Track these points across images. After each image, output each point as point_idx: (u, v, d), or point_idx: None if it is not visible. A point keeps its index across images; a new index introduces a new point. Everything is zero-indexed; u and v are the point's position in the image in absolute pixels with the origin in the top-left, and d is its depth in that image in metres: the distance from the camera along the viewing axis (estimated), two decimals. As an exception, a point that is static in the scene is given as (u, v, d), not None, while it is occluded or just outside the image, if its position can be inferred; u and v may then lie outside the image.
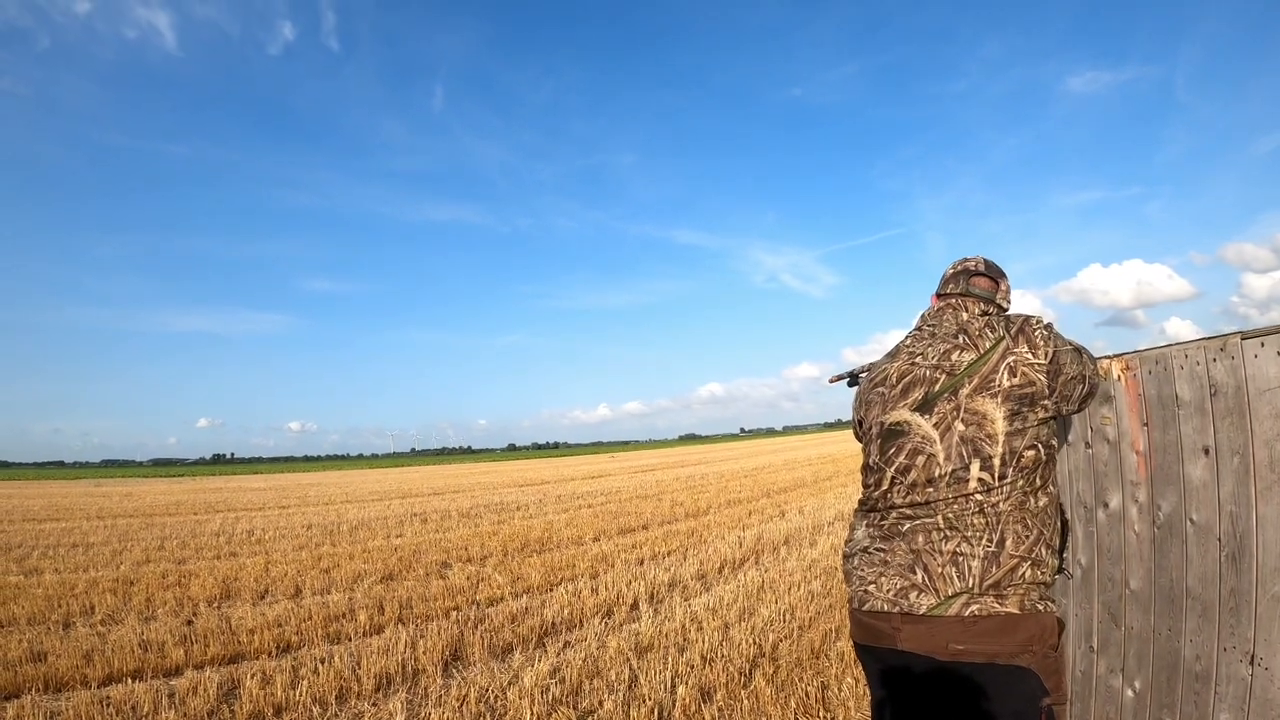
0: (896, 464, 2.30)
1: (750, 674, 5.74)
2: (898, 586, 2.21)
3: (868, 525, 2.42)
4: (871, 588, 2.29)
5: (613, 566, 10.60)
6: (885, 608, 2.22)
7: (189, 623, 8.41)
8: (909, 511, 2.26)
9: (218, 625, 8.17)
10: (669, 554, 11.37)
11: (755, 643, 6.47)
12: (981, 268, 2.66)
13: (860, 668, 4.94)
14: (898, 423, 2.34)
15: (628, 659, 6.29)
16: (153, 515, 24.01)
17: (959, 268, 2.69)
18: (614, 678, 5.89)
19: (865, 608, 2.30)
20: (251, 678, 6.19)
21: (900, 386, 2.38)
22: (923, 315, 2.61)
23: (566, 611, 8.13)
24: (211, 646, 7.27)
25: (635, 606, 8.29)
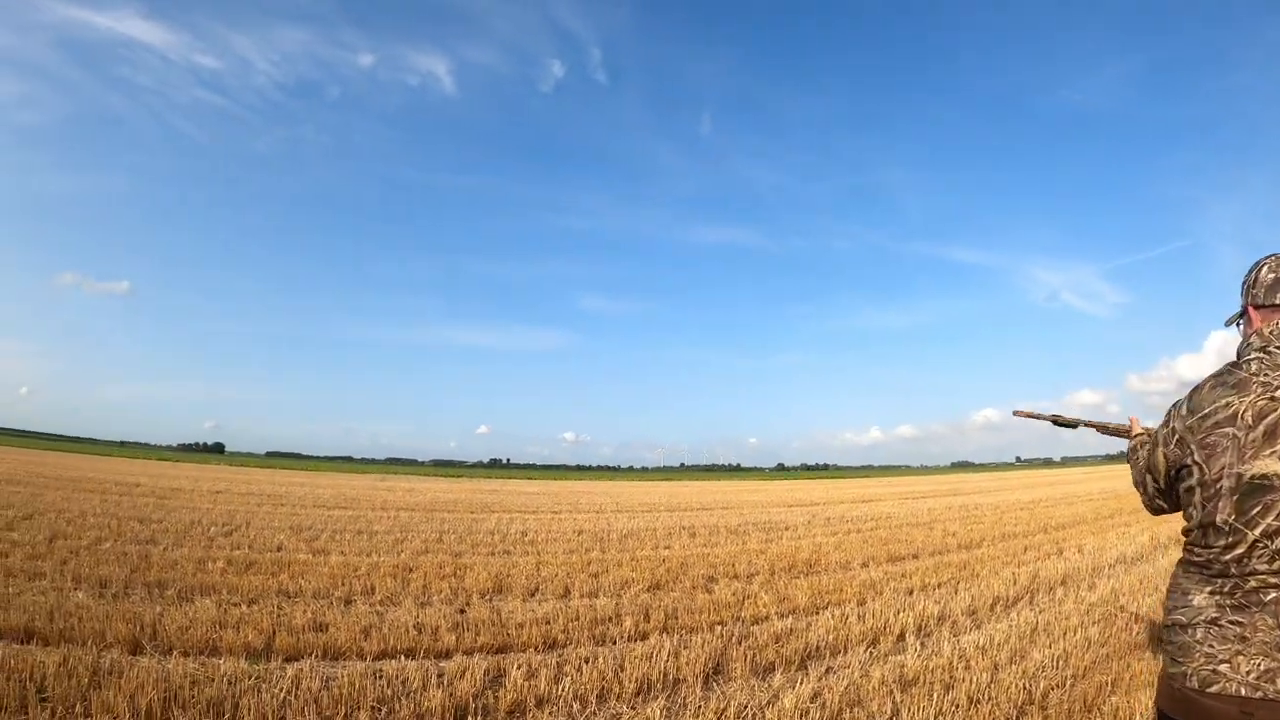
0: (1263, 525, 2.05)
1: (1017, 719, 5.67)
2: (1261, 668, 1.99)
3: (1212, 592, 2.17)
4: (1224, 667, 2.06)
5: (880, 594, 10.75)
6: (1242, 691, 2.00)
7: (461, 611, 9.51)
8: (1275, 580, 2.03)
9: (488, 616, 9.15)
10: (939, 586, 11.38)
11: (1025, 688, 6.37)
12: None
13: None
14: (1264, 475, 2.06)
15: (891, 691, 6.36)
16: (432, 510, 27.23)
17: None
18: (875, 709, 5.97)
19: (1212, 689, 2.07)
20: (517, 669, 6.88)
21: (1261, 429, 2.10)
22: (1260, 333, 2.26)
23: (831, 636, 8.30)
24: (481, 635, 8.18)
25: (901, 638, 8.35)
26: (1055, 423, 4.03)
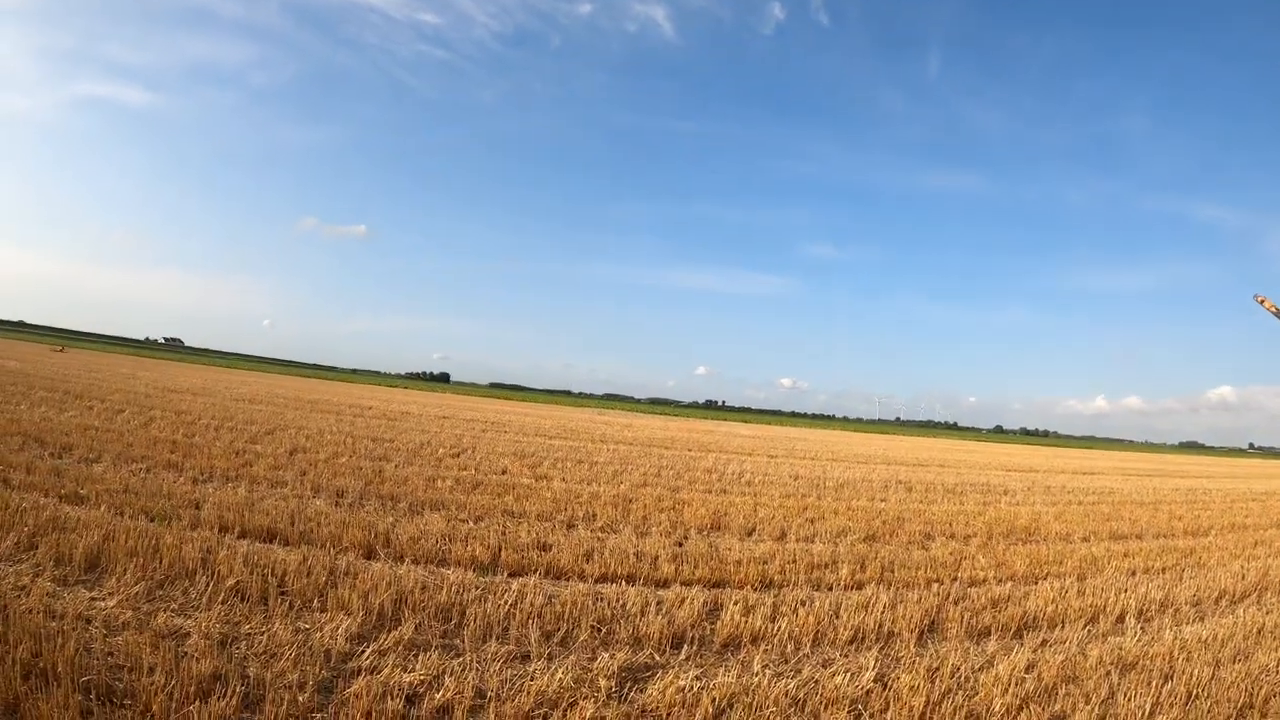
0: None
1: None
2: None
3: None
4: None
5: (1101, 571, 10.53)
6: None
7: (679, 544, 9.86)
8: None
9: (705, 551, 9.46)
10: (1163, 570, 10.98)
11: (1246, 689, 6.07)
12: None
13: None
14: None
15: (1108, 673, 6.21)
16: (650, 446, 28.22)
17: None
18: (1091, 689, 5.84)
19: None
20: (734, 604, 7.11)
21: None
22: None
23: (1049, 608, 8.18)
24: (699, 569, 8.48)
25: (1121, 619, 8.13)
26: None
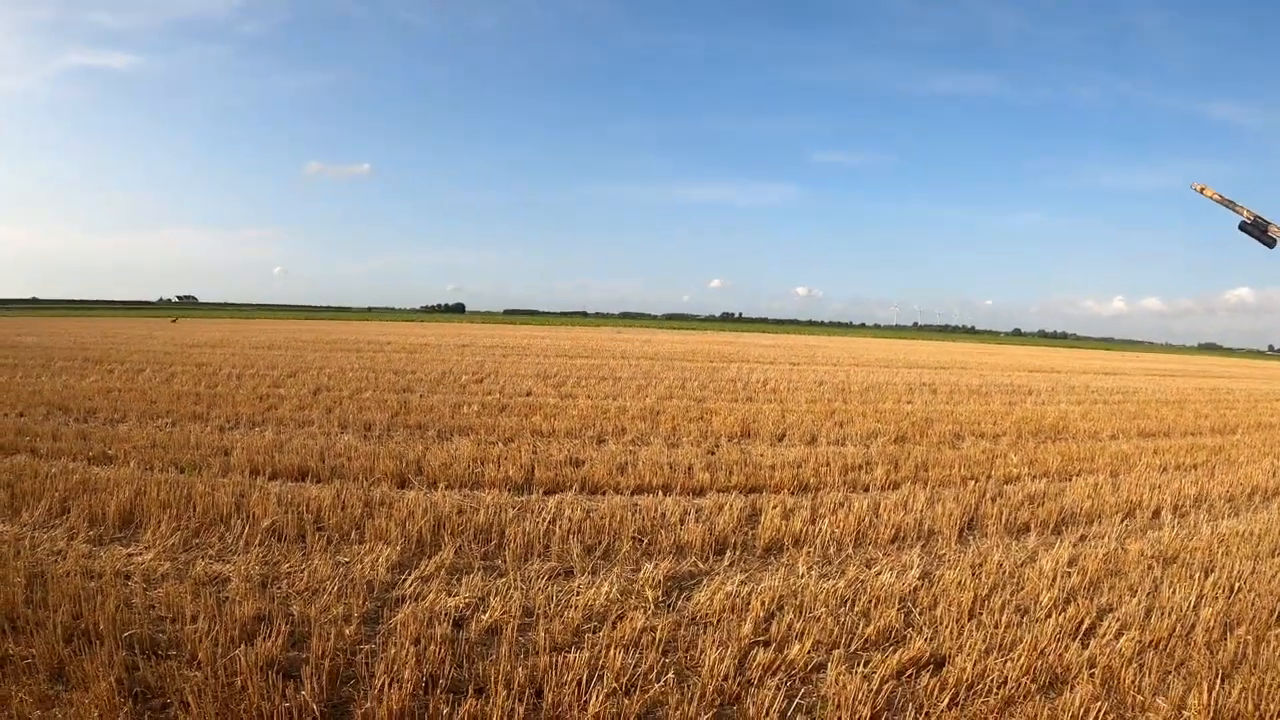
0: None
1: (1279, 615, 5.31)
2: None
3: None
4: None
5: (1133, 468, 10.49)
6: None
7: (711, 453, 9.86)
8: None
9: (738, 459, 9.46)
10: (1194, 467, 10.96)
11: None
12: None
13: None
14: None
15: (1150, 566, 6.22)
16: (671, 360, 28.32)
17: None
18: (1135, 581, 5.84)
19: None
20: (773, 508, 7.10)
21: None
22: None
23: (1086, 504, 8.21)
24: (734, 476, 8.49)
25: (1157, 514, 8.12)
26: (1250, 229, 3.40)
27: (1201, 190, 4.03)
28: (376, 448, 9.48)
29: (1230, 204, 3.51)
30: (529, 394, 15.54)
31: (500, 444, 9.95)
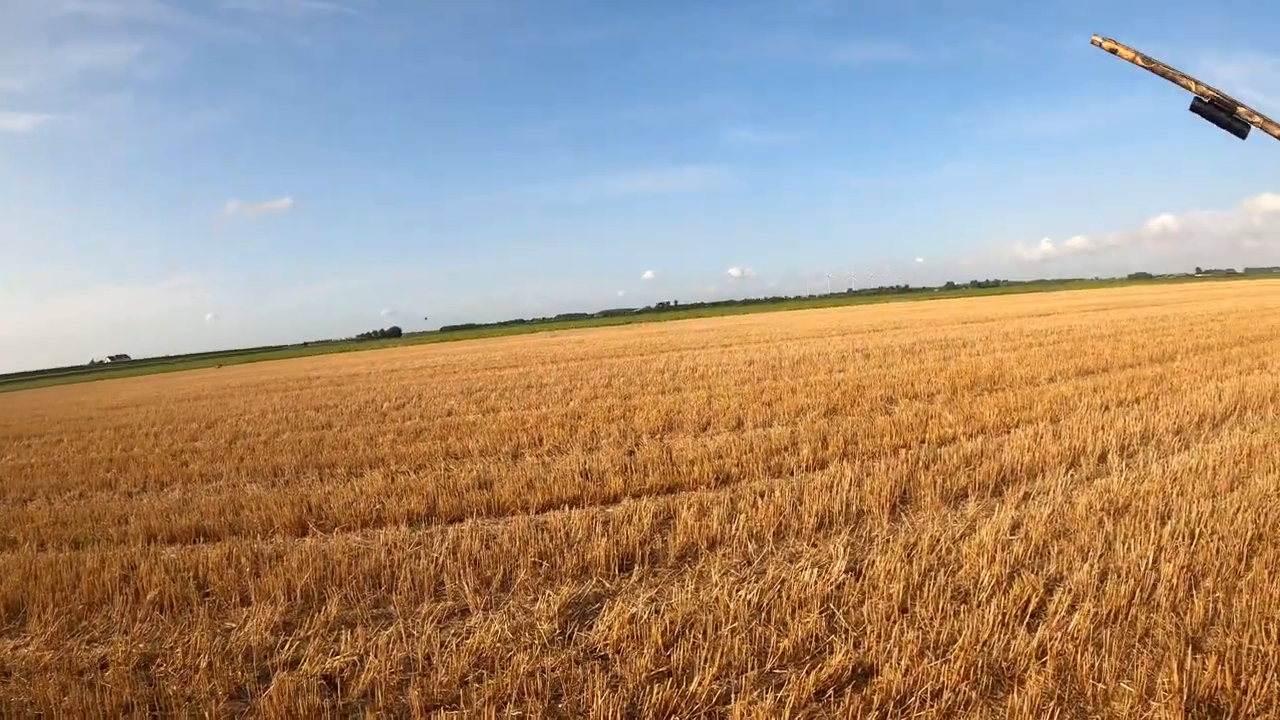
0: None
1: (1247, 559, 4.89)
2: None
3: None
4: None
5: (1074, 410, 10.22)
6: None
7: (630, 453, 9.29)
8: None
9: (658, 456, 8.90)
10: (1137, 401, 10.73)
11: (1252, 521, 5.53)
12: None
13: None
14: None
15: (1100, 521, 5.75)
16: (602, 358, 27.73)
17: None
18: (1085, 542, 5.37)
19: None
20: (687, 509, 6.55)
21: None
22: None
23: (1026, 457, 7.79)
24: (650, 476, 7.92)
25: (1103, 458, 7.72)
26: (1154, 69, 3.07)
27: (1113, 49, 3.45)
28: (280, 494, 8.82)
29: (1164, 71, 3.03)
30: (449, 413, 14.89)
31: (411, 473, 9.31)
